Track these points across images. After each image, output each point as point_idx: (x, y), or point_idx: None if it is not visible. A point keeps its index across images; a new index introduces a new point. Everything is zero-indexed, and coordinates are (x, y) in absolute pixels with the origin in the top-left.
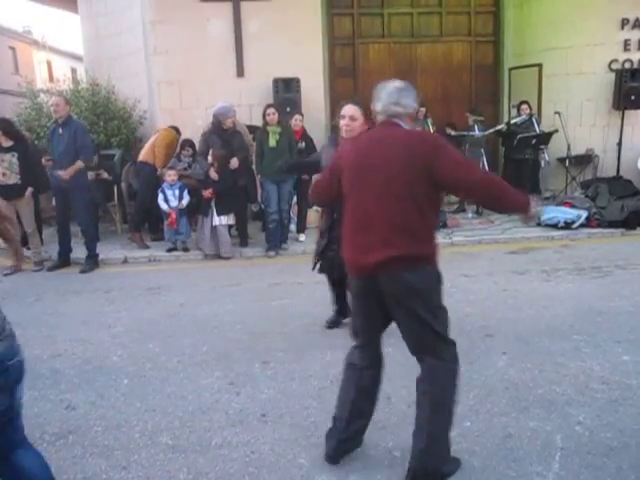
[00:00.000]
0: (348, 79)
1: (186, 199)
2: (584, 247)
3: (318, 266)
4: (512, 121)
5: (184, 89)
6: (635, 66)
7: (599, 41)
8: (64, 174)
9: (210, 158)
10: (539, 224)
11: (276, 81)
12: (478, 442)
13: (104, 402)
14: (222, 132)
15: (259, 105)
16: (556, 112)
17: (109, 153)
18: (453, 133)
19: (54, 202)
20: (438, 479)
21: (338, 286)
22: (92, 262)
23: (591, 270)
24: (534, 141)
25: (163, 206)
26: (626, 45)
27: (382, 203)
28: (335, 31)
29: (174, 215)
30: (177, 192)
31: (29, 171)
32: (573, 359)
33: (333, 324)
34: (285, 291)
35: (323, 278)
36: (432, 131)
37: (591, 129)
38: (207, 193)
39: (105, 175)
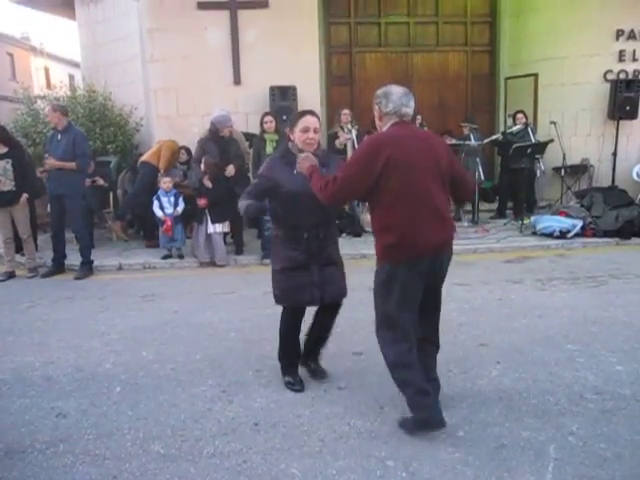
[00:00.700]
0: (345, 87)
1: (181, 206)
2: (579, 256)
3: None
4: (508, 130)
5: (181, 96)
6: (630, 77)
7: (594, 52)
8: (54, 162)
9: (202, 166)
10: (534, 233)
11: (272, 89)
12: (471, 452)
13: (96, 410)
14: (219, 139)
15: (255, 113)
16: (551, 122)
17: (105, 160)
18: (454, 141)
19: (49, 208)
20: None
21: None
22: (86, 269)
23: (586, 279)
24: (529, 150)
25: (158, 213)
26: (621, 56)
27: (439, 193)
28: (332, 40)
29: (169, 222)
30: (172, 199)
31: (23, 177)
32: (567, 369)
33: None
34: None
35: None
36: None
37: (586, 139)
38: (201, 202)
39: (101, 182)
